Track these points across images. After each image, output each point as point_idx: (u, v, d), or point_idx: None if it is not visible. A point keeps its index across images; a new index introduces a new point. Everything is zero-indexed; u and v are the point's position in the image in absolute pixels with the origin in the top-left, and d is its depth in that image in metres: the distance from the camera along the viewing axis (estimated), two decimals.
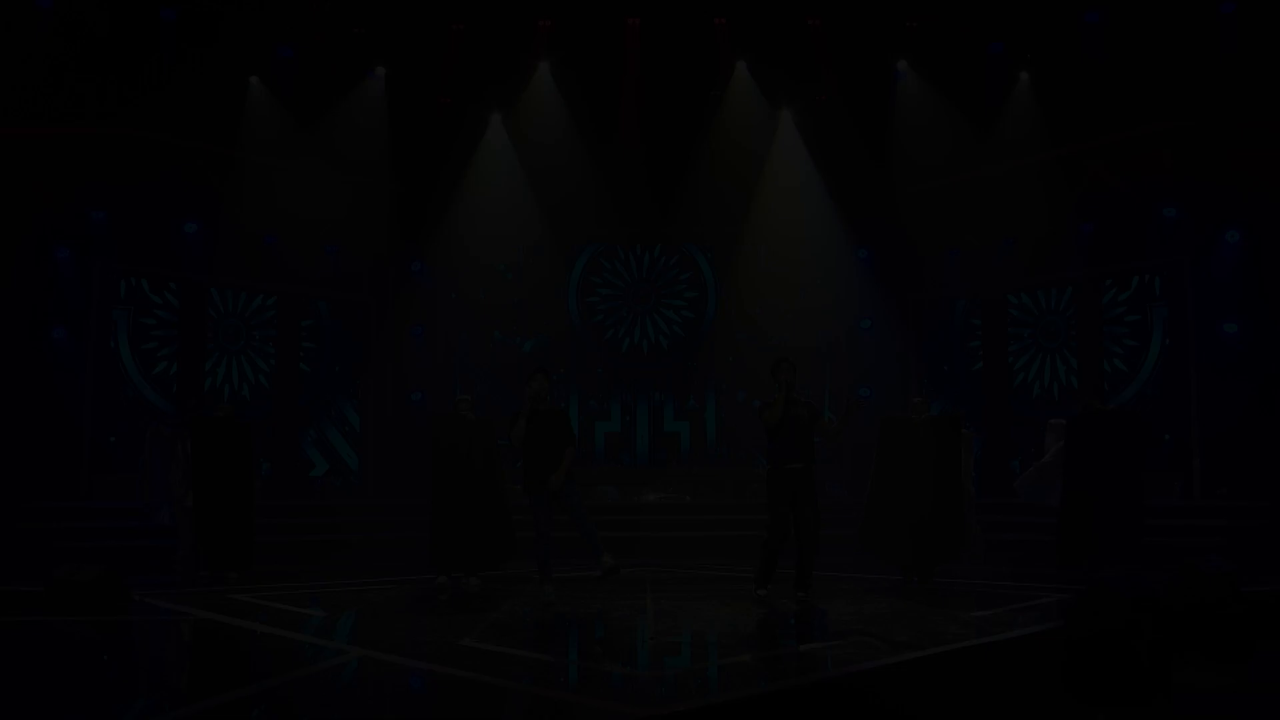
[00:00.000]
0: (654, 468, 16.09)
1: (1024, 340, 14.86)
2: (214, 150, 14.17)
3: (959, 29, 15.06)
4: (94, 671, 5.63)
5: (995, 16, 14.69)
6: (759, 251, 16.33)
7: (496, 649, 5.69)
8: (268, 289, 14.88)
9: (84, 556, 9.57)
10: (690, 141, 15.52)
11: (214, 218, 14.24)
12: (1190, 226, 13.11)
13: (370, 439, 15.68)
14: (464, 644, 5.64)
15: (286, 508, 13.54)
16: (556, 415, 7.94)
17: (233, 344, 14.56)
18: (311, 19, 14.90)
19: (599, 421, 16.38)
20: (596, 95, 15.51)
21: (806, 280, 16.36)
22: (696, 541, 12.92)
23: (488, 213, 15.73)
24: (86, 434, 12.93)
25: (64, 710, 4.58)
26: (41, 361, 12.80)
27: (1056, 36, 14.46)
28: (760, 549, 7.58)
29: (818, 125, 15.73)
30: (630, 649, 5.75)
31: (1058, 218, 14.50)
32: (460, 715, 4.38)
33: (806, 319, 16.34)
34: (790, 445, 7.49)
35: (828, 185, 15.61)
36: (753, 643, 6.07)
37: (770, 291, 16.33)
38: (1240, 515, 11.05)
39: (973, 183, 14.99)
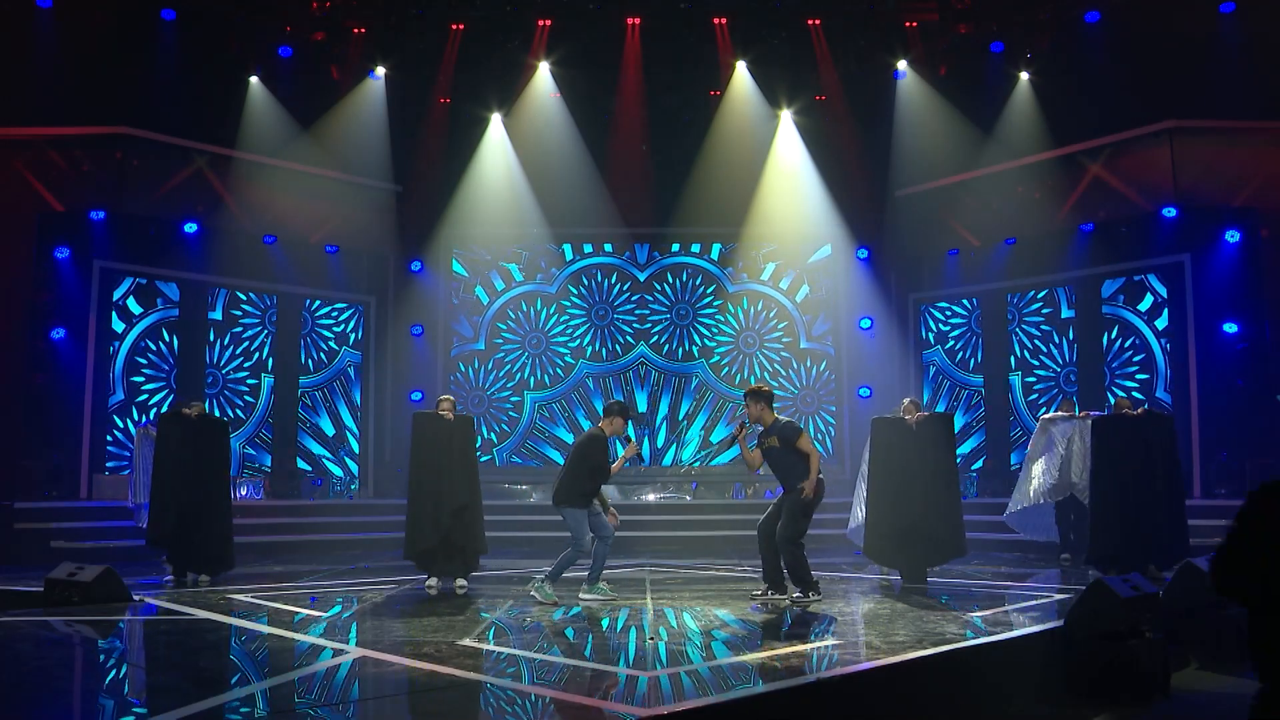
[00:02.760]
0: (654, 467, 16.06)
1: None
2: (214, 150, 14.18)
3: (959, 29, 15.08)
4: (94, 671, 5.63)
5: (995, 16, 14.70)
6: (759, 251, 16.34)
7: (496, 649, 5.69)
8: (267, 289, 14.87)
9: (84, 556, 9.57)
10: (690, 141, 15.53)
11: (214, 218, 14.24)
12: (1190, 226, 13.11)
13: (369, 438, 15.68)
14: (464, 644, 5.64)
15: (286, 508, 13.56)
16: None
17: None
18: (311, 19, 14.92)
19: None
20: (596, 95, 15.51)
21: (806, 280, 16.38)
22: (696, 541, 12.92)
23: (487, 212, 15.74)
24: (86, 434, 12.93)
25: (64, 710, 4.57)
26: (41, 361, 12.80)
27: (1056, 36, 14.48)
28: None
29: (818, 125, 15.74)
30: (630, 649, 5.74)
31: (1058, 218, 14.52)
32: (460, 715, 4.38)
33: (807, 318, 16.37)
34: (776, 475, 7.61)
35: (828, 185, 15.62)
36: (752, 643, 6.06)
37: (770, 291, 16.36)
38: None
39: (973, 183, 15.00)
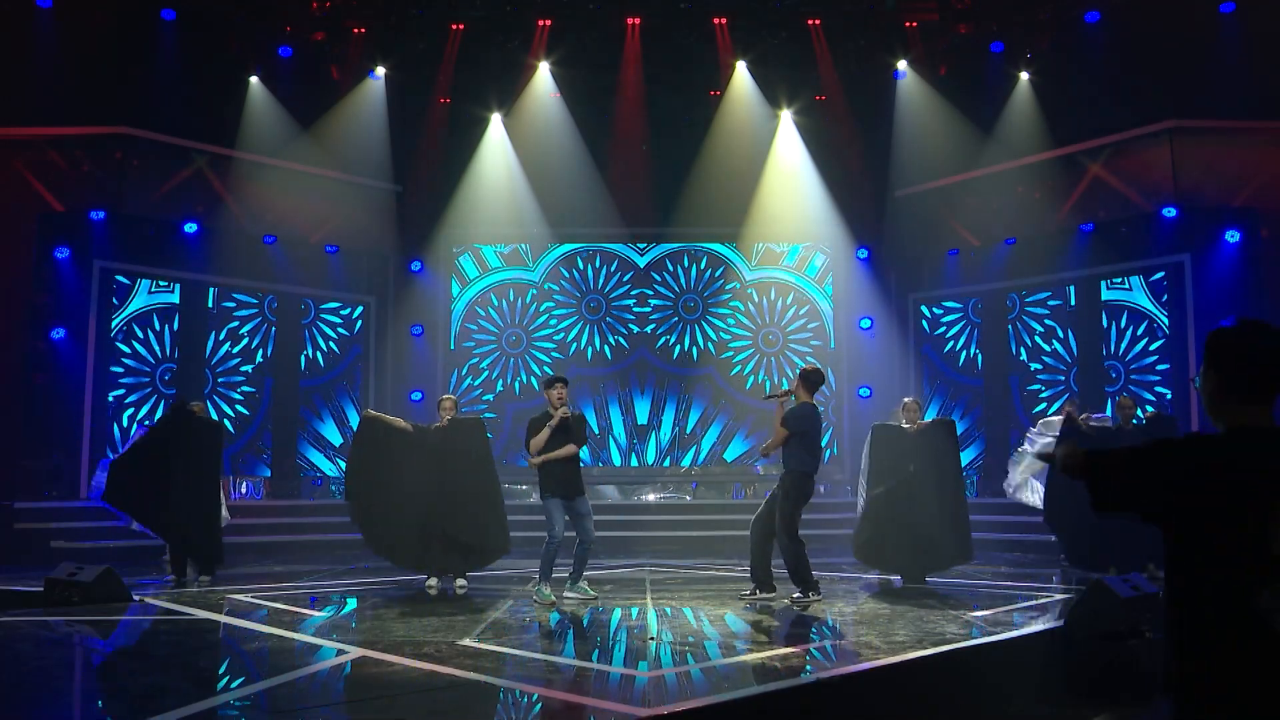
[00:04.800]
0: (654, 467, 15.98)
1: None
2: (214, 150, 14.19)
3: (959, 29, 15.08)
4: (94, 671, 5.63)
5: (995, 16, 14.71)
6: (759, 251, 16.31)
7: (496, 649, 5.69)
8: (267, 289, 14.87)
9: (84, 556, 9.58)
10: (690, 141, 15.52)
11: (214, 218, 14.25)
12: (1190, 226, 13.11)
13: None
14: (464, 644, 5.64)
15: (286, 508, 13.56)
16: (578, 421, 7.95)
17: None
18: (311, 19, 14.92)
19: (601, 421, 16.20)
20: (596, 95, 15.51)
21: (806, 280, 16.36)
22: (696, 541, 12.92)
23: (487, 212, 15.71)
24: (86, 434, 12.93)
25: (64, 710, 4.57)
26: (41, 361, 12.80)
27: (1056, 36, 14.48)
28: None
29: (818, 125, 15.74)
30: (630, 649, 5.74)
31: (1058, 218, 14.52)
32: (460, 715, 4.37)
33: (806, 318, 16.33)
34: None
35: (828, 185, 15.62)
36: (752, 642, 6.06)
37: (770, 291, 16.31)
38: None
39: (973, 183, 15.00)
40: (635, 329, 15.93)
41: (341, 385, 15.54)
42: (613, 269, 16.09)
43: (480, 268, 16.03)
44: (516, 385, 15.75)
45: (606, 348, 15.89)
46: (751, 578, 7.66)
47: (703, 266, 16.07)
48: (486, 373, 15.78)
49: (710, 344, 15.93)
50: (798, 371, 7.90)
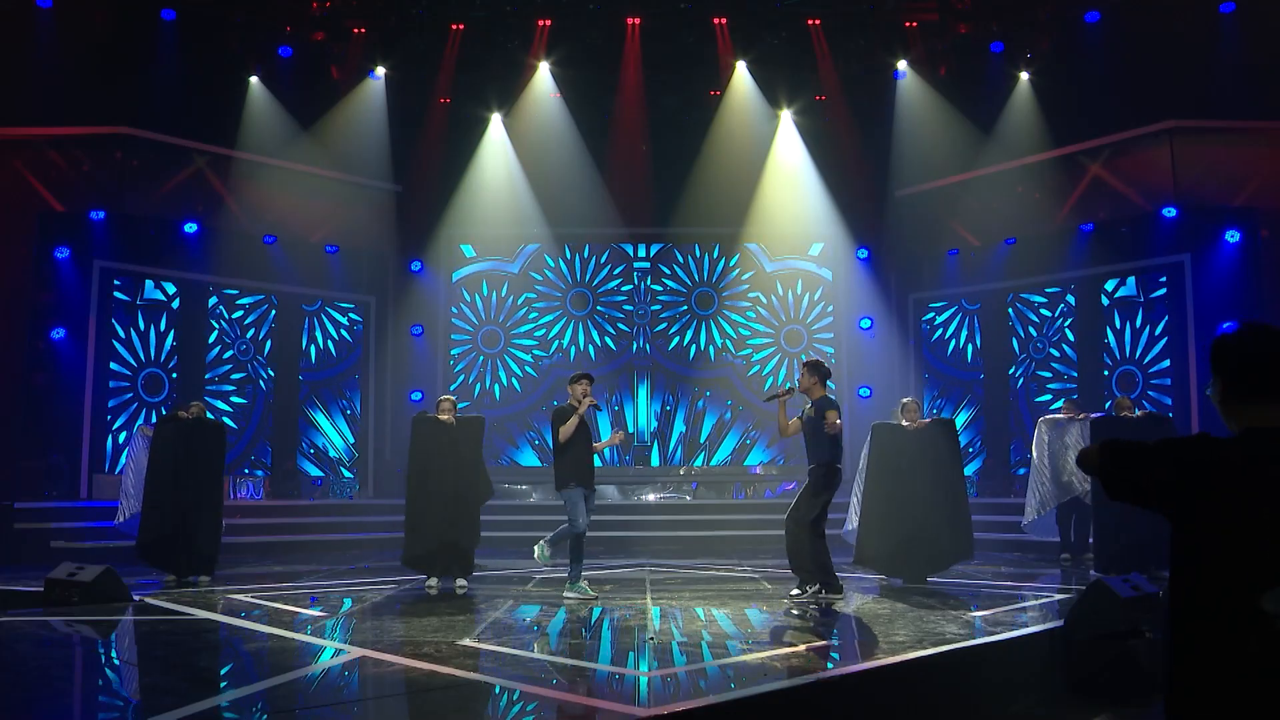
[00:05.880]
0: (654, 467, 15.98)
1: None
2: (214, 150, 14.19)
3: (959, 29, 15.08)
4: (94, 671, 5.63)
5: (995, 16, 14.71)
6: (758, 251, 16.31)
7: (496, 649, 5.68)
8: (267, 289, 14.87)
9: (84, 556, 9.57)
10: (690, 141, 15.52)
11: (214, 218, 14.25)
12: (1190, 226, 13.11)
13: (369, 438, 15.68)
14: (464, 644, 5.64)
15: (286, 508, 13.55)
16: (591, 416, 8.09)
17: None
18: (311, 19, 14.92)
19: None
20: (596, 95, 15.51)
21: (806, 280, 16.35)
22: (696, 542, 12.91)
23: (487, 212, 15.71)
24: (86, 434, 12.92)
25: (64, 710, 4.57)
26: (41, 361, 12.80)
27: (1056, 36, 14.48)
28: None
29: (818, 125, 15.74)
30: (630, 649, 5.74)
31: (1058, 218, 14.52)
32: (460, 715, 4.37)
33: (806, 318, 16.33)
34: (806, 447, 7.68)
35: (827, 185, 15.62)
36: (752, 642, 6.06)
37: (769, 291, 16.31)
38: None
39: (973, 183, 15.00)
40: (636, 315, 15.87)
41: (341, 385, 15.54)
42: (603, 259, 16.01)
43: (456, 259, 15.95)
44: (495, 390, 15.70)
45: (609, 339, 15.85)
46: (800, 580, 7.57)
47: (727, 263, 15.98)
48: (456, 362, 15.75)
49: (712, 347, 15.87)
50: (808, 364, 7.76)
